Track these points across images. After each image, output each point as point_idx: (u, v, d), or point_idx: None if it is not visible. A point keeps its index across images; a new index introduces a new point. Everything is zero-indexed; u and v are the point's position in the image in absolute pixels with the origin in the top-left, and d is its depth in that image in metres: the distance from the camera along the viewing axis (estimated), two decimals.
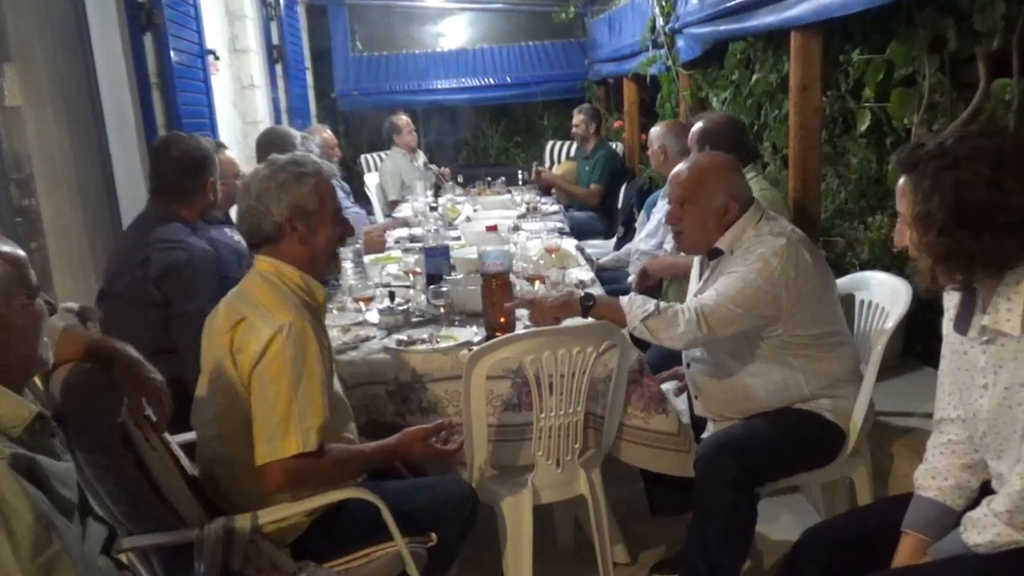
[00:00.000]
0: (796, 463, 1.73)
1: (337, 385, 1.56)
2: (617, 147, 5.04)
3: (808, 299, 1.66)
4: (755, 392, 1.75)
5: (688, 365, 1.91)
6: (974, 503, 1.22)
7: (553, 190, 4.78)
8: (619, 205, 4.42)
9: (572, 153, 5.39)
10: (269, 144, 2.89)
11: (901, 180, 1.19)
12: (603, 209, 4.58)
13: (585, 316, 1.69)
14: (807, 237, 1.76)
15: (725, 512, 1.61)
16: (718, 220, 1.73)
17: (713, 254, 1.78)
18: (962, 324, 1.23)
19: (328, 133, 3.92)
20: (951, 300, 1.27)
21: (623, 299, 1.68)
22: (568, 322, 1.94)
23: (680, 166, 1.81)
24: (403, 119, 4.81)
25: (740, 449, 1.64)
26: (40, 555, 0.89)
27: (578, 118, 4.74)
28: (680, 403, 2.04)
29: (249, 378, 1.38)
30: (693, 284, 1.91)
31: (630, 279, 2.92)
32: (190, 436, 1.58)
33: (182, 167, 2.01)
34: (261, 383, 1.37)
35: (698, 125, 2.37)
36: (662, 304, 1.65)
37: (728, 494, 1.61)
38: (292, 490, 1.41)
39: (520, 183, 4.69)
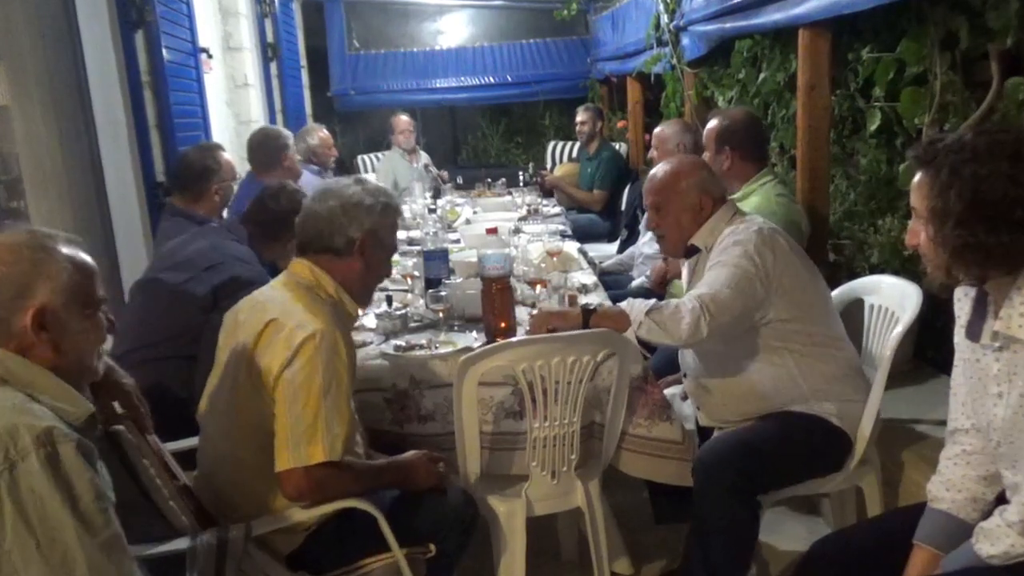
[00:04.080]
0: (800, 470, 1.70)
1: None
2: (620, 148, 5.00)
3: (790, 284, 1.67)
4: (750, 392, 1.73)
5: (684, 375, 1.89)
6: (988, 515, 1.19)
7: (554, 191, 4.74)
8: (622, 207, 4.37)
9: (575, 154, 5.34)
10: (262, 145, 2.84)
11: (917, 175, 1.17)
12: (606, 211, 4.54)
13: (586, 325, 1.66)
14: (781, 229, 1.79)
15: (725, 520, 1.59)
16: (693, 217, 1.78)
17: (690, 252, 1.81)
18: (974, 331, 1.21)
19: (324, 132, 3.88)
20: (962, 307, 1.25)
21: (623, 303, 1.67)
22: None
23: (651, 174, 1.87)
24: (400, 118, 4.77)
25: (739, 455, 1.62)
26: (101, 534, 0.94)
27: (584, 115, 4.69)
28: (686, 408, 2.01)
29: (276, 381, 1.36)
30: (684, 288, 1.91)
31: (635, 282, 2.88)
32: (183, 444, 1.55)
33: (283, 217, 2.04)
34: (291, 387, 1.35)
35: (715, 122, 2.31)
36: (661, 302, 1.65)
37: (727, 501, 1.58)
38: (309, 499, 1.39)
39: (521, 184, 4.65)
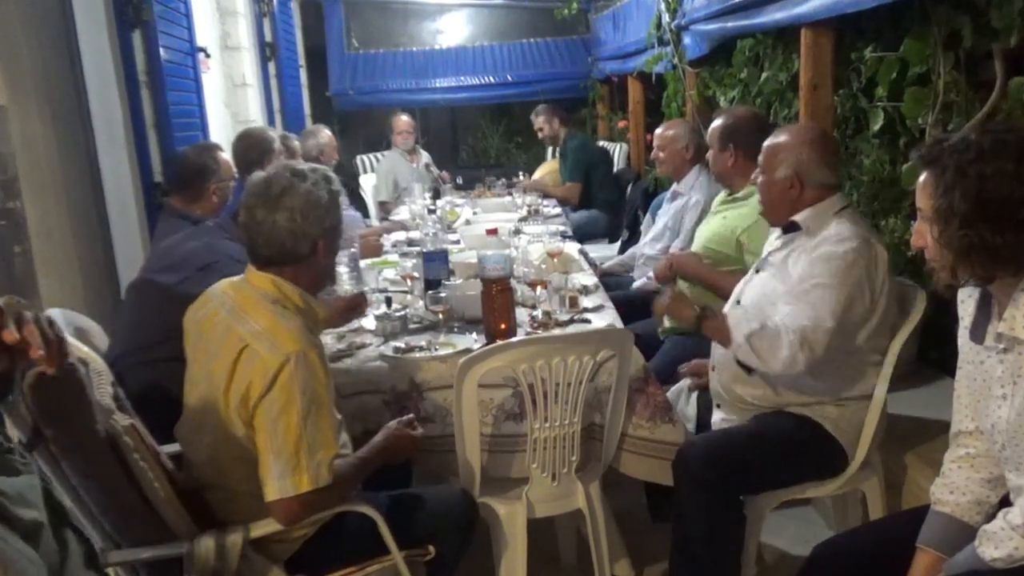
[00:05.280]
0: (785, 473, 1.69)
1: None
2: (621, 148, 4.97)
3: (881, 304, 1.64)
4: (767, 377, 1.71)
5: None
6: (992, 518, 1.18)
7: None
8: (623, 208, 4.35)
9: None
10: (248, 149, 2.80)
11: (922, 176, 1.16)
12: (607, 212, 4.51)
13: (698, 328, 1.67)
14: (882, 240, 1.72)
15: (703, 517, 1.59)
16: (782, 192, 1.72)
17: (789, 228, 1.75)
18: (978, 333, 1.20)
19: (327, 133, 3.85)
20: (966, 309, 1.24)
21: (729, 313, 1.64)
22: (570, 328, 1.89)
23: (778, 130, 1.83)
24: (400, 119, 4.74)
25: (717, 452, 1.62)
26: None
27: (537, 121, 4.61)
28: (690, 409, 1.99)
29: (255, 410, 1.32)
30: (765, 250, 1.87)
31: (635, 283, 2.87)
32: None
33: None
34: (269, 417, 1.31)
35: (719, 121, 2.31)
36: (763, 320, 1.60)
37: (705, 498, 1.58)
38: (302, 521, 1.36)
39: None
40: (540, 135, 4.69)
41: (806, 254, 1.67)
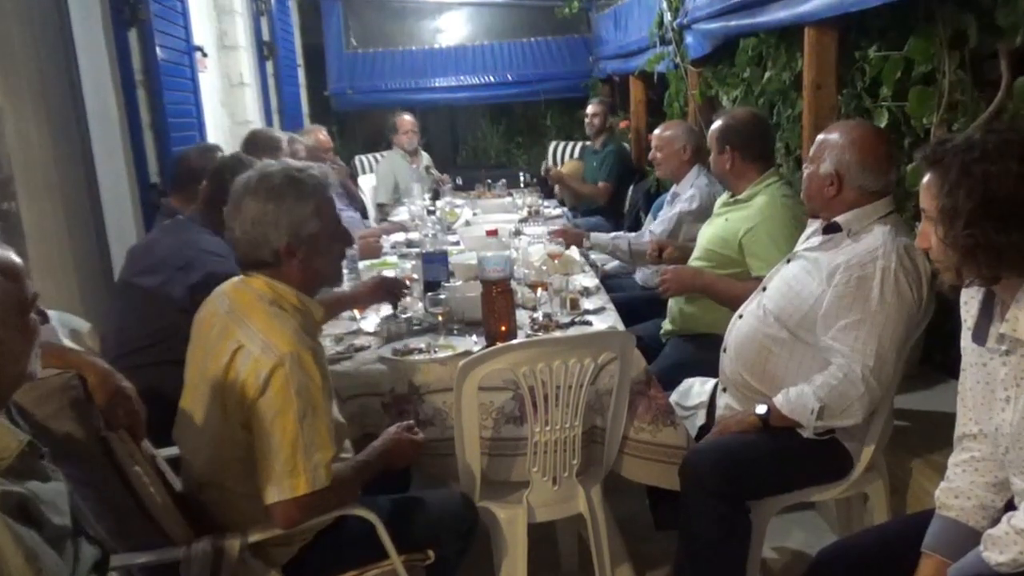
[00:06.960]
0: (791, 479, 1.69)
1: (334, 407, 1.51)
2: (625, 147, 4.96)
3: (928, 315, 1.65)
4: (774, 370, 1.71)
5: (741, 316, 1.85)
6: (997, 522, 1.17)
7: (557, 192, 4.69)
8: (625, 208, 4.34)
9: (576, 154, 5.30)
10: (256, 150, 2.79)
11: (926, 176, 1.16)
12: (609, 212, 4.50)
13: (766, 427, 1.67)
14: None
15: (711, 524, 1.58)
16: (820, 188, 1.70)
17: (830, 228, 1.72)
18: (980, 334, 1.20)
19: (323, 134, 3.83)
20: (969, 310, 1.24)
21: (783, 404, 1.64)
22: (571, 330, 1.88)
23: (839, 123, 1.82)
24: (403, 118, 4.71)
25: (726, 459, 1.62)
26: None
27: (596, 107, 4.66)
28: (706, 392, 1.95)
29: (250, 412, 1.31)
30: (796, 245, 1.86)
31: (638, 275, 2.86)
32: (178, 450, 1.52)
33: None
34: (264, 419, 1.30)
35: (718, 123, 2.29)
36: (817, 391, 1.59)
37: (713, 505, 1.58)
38: (302, 523, 1.35)
39: (521, 185, 4.61)
40: (589, 120, 4.66)
41: (845, 269, 1.62)
